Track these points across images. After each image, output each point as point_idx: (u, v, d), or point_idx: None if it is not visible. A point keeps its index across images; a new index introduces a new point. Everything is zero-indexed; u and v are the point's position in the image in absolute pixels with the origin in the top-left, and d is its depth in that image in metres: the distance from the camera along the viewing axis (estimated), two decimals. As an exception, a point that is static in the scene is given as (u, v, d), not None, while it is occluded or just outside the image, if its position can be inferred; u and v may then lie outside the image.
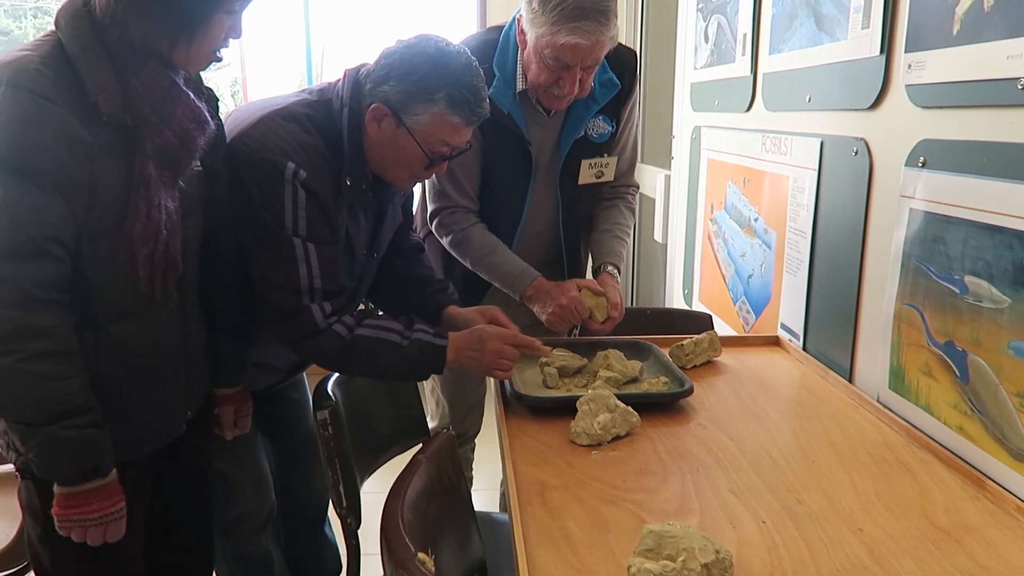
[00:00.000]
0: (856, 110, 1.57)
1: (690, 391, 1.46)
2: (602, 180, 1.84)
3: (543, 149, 1.75)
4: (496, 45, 1.68)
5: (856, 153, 1.56)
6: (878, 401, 1.47)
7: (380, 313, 1.59)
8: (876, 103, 1.49)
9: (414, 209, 1.85)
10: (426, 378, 1.52)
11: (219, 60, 1.28)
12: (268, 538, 1.74)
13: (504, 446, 1.27)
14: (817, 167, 1.72)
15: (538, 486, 1.16)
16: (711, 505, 1.11)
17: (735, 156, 2.22)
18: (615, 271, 1.80)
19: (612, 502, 1.12)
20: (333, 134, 1.42)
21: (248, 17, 1.26)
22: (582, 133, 1.75)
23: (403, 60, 1.38)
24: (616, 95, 1.74)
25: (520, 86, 1.66)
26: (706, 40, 2.47)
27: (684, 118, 2.75)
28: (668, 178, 2.98)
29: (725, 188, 2.29)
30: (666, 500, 1.13)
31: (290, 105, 1.43)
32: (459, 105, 1.37)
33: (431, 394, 2.05)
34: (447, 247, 1.81)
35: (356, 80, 1.44)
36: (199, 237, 1.39)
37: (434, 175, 1.76)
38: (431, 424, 2.04)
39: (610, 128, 1.78)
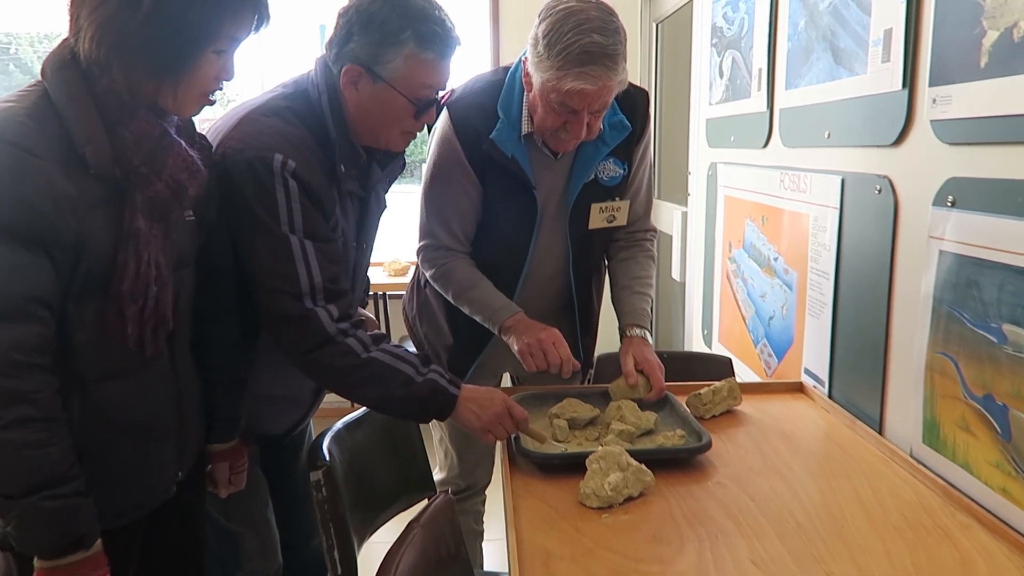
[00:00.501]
0: (879, 146, 1.49)
1: (708, 446, 1.37)
2: (614, 224, 1.76)
3: (550, 194, 1.69)
4: (501, 86, 1.63)
5: (879, 191, 1.48)
6: (911, 456, 1.37)
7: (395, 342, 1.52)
8: (899, 139, 1.42)
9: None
10: (427, 421, 1.47)
11: (211, 103, 1.24)
12: None
13: (508, 509, 1.19)
14: (839, 205, 1.64)
15: (543, 556, 1.08)
16: (731, 579, 1.02)
17: (753, 193, 2.15)
18: (644, 333, 1.70)
19: (623, 575, 1.03)
20: (316, 123, 1.38)
21: (266, 45, 1.22)
22: (592, 176, 1.68)
23: (360, 12, 1.34)
24: (627, 137, 1.67)
25: (526, 128, 1.60)
26: (721, 75, 2.42)
27: (700, 154, 2.68)
28: (685, 215, 2.91)
29: (743, 226, 2.21)
30: (682, 573, 1.04)
31: (268, 101, 1.39)
32: (429, 39, 1.33)
33: (439, 444, 1.97)
34: (430, 280, 1.75)
35: (326, 64, 1.40)
36: (191, 290, 1.34)
37: (423, 212, 1.72)
38: (438, 476, 1.96)
39: (621, 171, 1.71)
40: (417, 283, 1.90)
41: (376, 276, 3.51)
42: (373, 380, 1.32)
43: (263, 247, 1.32)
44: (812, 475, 1.34)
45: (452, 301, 1.72)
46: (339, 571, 1.23)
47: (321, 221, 1.35)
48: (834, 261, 1.66)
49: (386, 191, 1.63)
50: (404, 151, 1.55)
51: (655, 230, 1.89)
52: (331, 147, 1.38)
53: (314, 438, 1.34)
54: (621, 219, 1.76)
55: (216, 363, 1.44)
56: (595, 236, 1.76)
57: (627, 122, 1.65)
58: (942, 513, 1.20)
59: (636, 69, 3.70)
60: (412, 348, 1.59)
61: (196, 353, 1.40)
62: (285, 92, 1.42)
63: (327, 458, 1.27)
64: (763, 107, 2.04)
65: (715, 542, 1.11)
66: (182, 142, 1.22)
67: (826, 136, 1.69)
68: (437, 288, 1.75)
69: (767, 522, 1.17)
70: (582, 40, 1.40)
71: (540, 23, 1.46)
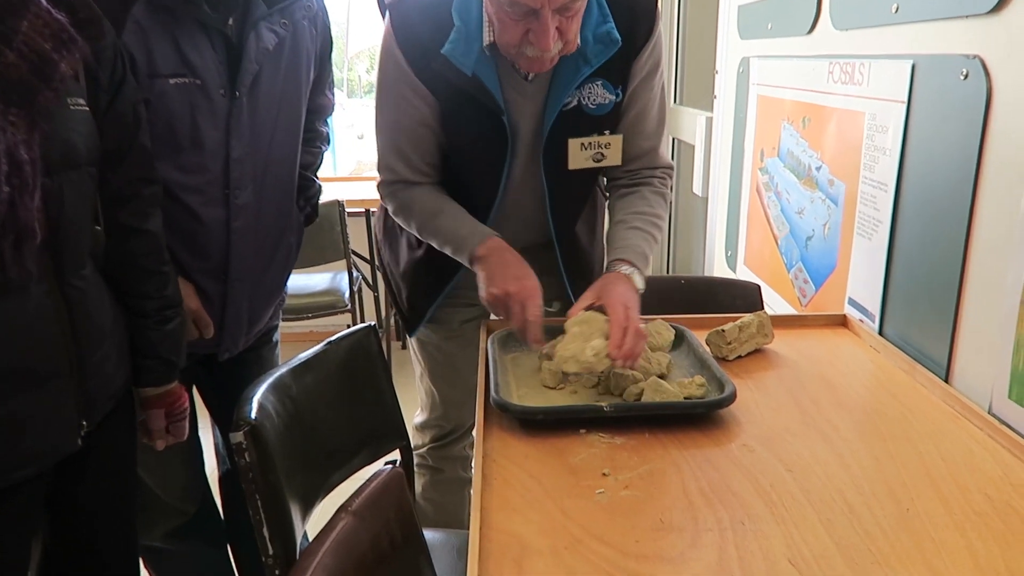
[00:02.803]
0: (967, 17, 1.15)
1: (732, 398, 1.10)
2: (603, 164, 1.39)
3: (523, 120, 1.34)
4: None
5: (966, 76, 1.15)
6: (990, 413, 1.09)
7: None
8: (999, 4, 1.08)
9: None
10: None
11: None
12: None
13: (475, 482, 0.94)
14: (906, 98, 1.31)
15: (515, 550, 0.82)
16: (763, 589, 0.76)
17: (792, 91, 1.81)
18: (632, 271, 1.29)
19: (618, 581, 0.78)
20: None
21: None
22: (573, 103, 1.32)
23: None
24: (619, 54, 1.29)
25: (488, 38, 1.25)
26: (758, -51, 2.03)
27: (730, 49, 2.32)
28: (710, 121, 2.56)
29: (779, 130, 1.88)
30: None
31: None
32: None
33: (420, 382, 1.72)
34: (393, 217, 1.47)
35: None
36: (88, 198, 1.07)
37: (377, 142, 1.41)
38: (419, 418, 1.72)
39: (613, 97, 1.34)
40: None
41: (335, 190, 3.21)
42: None
43: None
44: (864, 437, 1.06)
45: (418, 236, 1.43)
46: (270, 551, 0.99)
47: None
48: (896, 169, 1.34)
49: (284, 32, 1.36)
50: None
51: (670, 167, 1.48)
52: None
53: (242, 396, 1.08)
54: (612, 158, 1.39)
55: (141, 290, 1.18)
56: (577, 180, 1.42)
57: (615, 34, 1.28)
58: (1037, 492, 0.92)
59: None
60: None
61: (114, 278, 1.16)
62: None
63: (252, 415, 1.01)
64: (810, -18, 1.68)
65: (741, 531, 0.85)
66: (42, 1, 0.93)
67: (893, 10, 1.35)
68: (401, 224, 1.46)
69: (809, 503, 0.90)
70: None
71: None
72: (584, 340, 1.10)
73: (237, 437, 0.98)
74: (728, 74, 2.32)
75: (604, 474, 0.97)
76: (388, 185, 1.43)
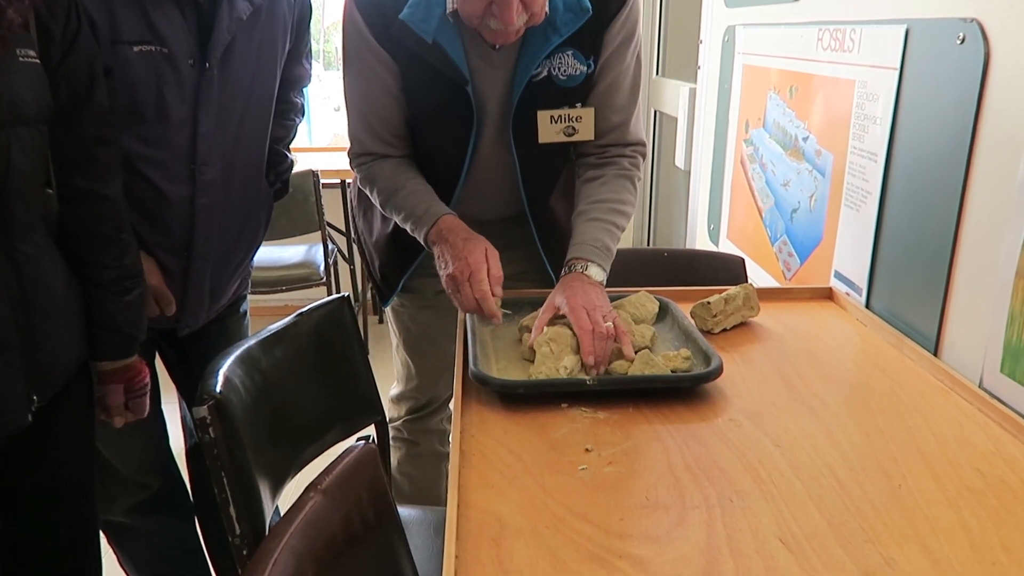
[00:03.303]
0: (965, -22, 1.12)
1: (718, 372, 1.06)
2: (576, 139, 1.34)
3: (490, 91, 1.28)
4: None
5: (962, 41, 1.11)
6: (981, 387, 1.07)
7: None
8: (1000, -36, 1.04)
9: None
10: None
11: None
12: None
13: (452, 458, 0.89)
14: (898, 65, 1.27)
15: (493, 529, 0.78)
16: (753, 568, 0.73)
17: (779, 59, 1.76)
18: (589, 269, 1.23)
19: (602, 561, 0.74)
20: None
21: None
22: (543, 73, 1.27)
23: None
24: (589, 22, 1.24)
25: (451, 5, 1.19)
26: (746, -87, 1.98)
27: (715, 17, 2.26)
28: (693, 92, 2.51)
29: (765, 100, 1.83)
30: (683, 558, 0.74)
31: None
32: None
33: (396, 353, 1.67)
34: (361, 188, 1.42)
35: None
36: (38, 157, 1.00)
37: (347, 114, 1.36)
38: (395, 390, 1.68)
39: (584, 68, 1.29)
40: None
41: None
42: None
43: None
44: (852, 411, 1.04)
45: (382, 212, 1.38)
46: (237, 530, 0.94)
47: None
48: (886, 139, 1.31)
49: (260, 0, 1.29)
50: None
51: (641, 144, 1.42)
52: None
53: (207, 369, 1.03)
54: (585, 132, 1.33)
55: (98, 259, 1.12)
56: (548, 155, 1.36)
57: (586, 2, 1.22)
58: (1029, 468, 0.90)
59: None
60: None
61: (69, 247, 1.10)
62: None
63: (217, 389, 0.96)
64: (800, -54, 1.63)
65: (729, 509, 0.82)
66: None
67: (887, -27, 1.30)
68: (371, 200, 1.41)
69: (798, 479, 0.87)
70: None
71: None
72: (555, 360, 1.06)
73: (201, 412, 0.92)
74: (713, 44, 2.27)
75: (587, 450, 0.93)
76: (356, 157, 1.38)
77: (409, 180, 1.33)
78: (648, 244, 3.33)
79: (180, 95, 1.23)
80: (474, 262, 1.18)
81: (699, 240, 2.41)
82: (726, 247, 2.13)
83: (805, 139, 1.62)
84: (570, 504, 0.82)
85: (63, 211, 1.10)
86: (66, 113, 1.04)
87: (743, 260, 1.72)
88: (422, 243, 1.30)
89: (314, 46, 1.63)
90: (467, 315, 1.23)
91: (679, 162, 2.70)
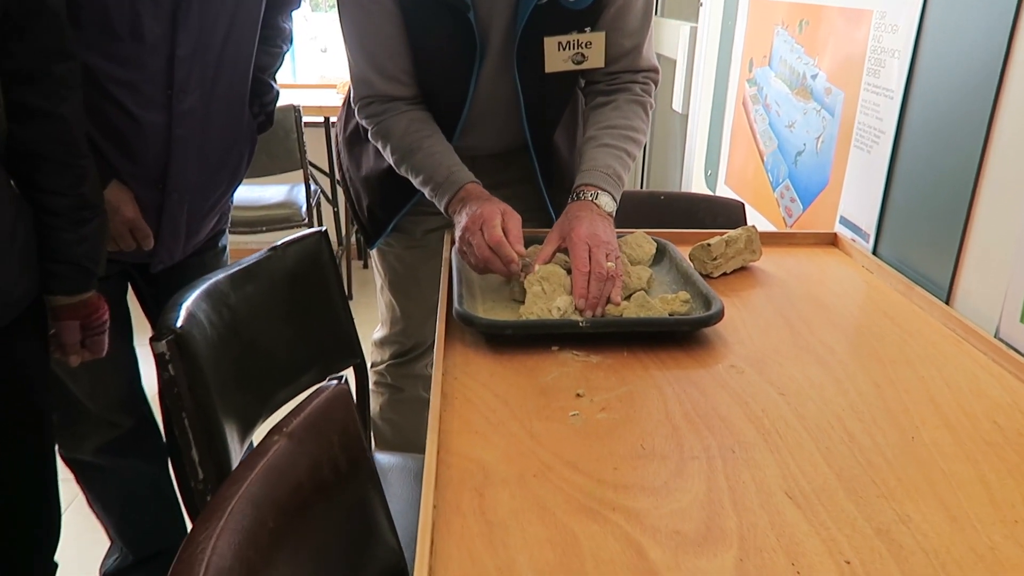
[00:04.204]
0: None
1: (719, 316, 0.99)
2: (584, 67, 1.24)
3: (493, 17, 1.18)
4: None
5: (997, -39, 1.02)
6: (997, 337, 1.01)
7: None
8: None
9: None
10: None
11: None
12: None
13: (433, 402, 0.82)
14: (923, -9, 1.18)
15: (477, 477, 0.72)
16: (758, 524, 0.67)
17: (789, -9, 1.66)
18: (599, 198, 1.15)
19: (594, 513, 0.68)
20: None
21: None
22: None
23: None
24: None
25: None
26: None
27: (720, -51, 2.14)
28: (694, 31, 2.40)
29: (771, 36, 1.74)
30: (682, 511, 0.68)
31: None
32: None
33: (380, 294, 1.59)
34: (372, 142, 1.32)
35: None
36: None
37: (348, 57, 1.25)
38: (379, 333, 1.61)
39: None
40: (349, 105, 1.43)
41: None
42: None
43: None
44: (860, 359, 0.97)
45: (397, 171, 1.28)
46: (200, 475, 0.87)
47: None
48: (905, 74, 1.22)
49: None
50: None
51: (655, 71, 1.33)
52: None
53: (170, 303, 0.95)
54: (595, 59, 1.23)
55: (51, 185, 1.03)
56: (555, 84, 1.26)
57: None
58: (1049, 422, 0.84)
59: None
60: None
61: (21, 171, 1.01)
62: None
63: (179, 323, 0.88)
64: None
65: (731, 460, 0.76)
66: None
67: None
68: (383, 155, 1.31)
69: (804, 430, 0.81)
70: None
71: None
72: (546, 300, 0.98)
73: (160, 347, 0.85)
74: (717, -22, 2.15)
75: (578, 395, 0.86)
76: (364, 104, 1.27)
77: (426, 139, 1.23)
78: (643, 187, 3.24)
79: (155, 13, 1.13)
80: (487, 212, 1.09)
81: (695, 186, 2.33)
82: (724, 193, 2.05)
83: (814, 76, 1.53)
84: (560, 452, 0.76)
85: (13, 131, 1.00)
86: (13, 21, 0.94)
87: (743, 204, 1.65)
88: (442, 211, 1.21)
89: (302, -10, 1.51)
90: (452, 253, 1.15)
91: (676, 105, 2.60)
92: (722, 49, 2.09)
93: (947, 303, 1.12)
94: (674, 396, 0.87)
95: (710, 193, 2.15)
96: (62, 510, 1.20)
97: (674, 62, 2.64)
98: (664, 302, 1.04)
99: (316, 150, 3.11)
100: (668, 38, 2.72)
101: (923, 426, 0.83)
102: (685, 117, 2.52)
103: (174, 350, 0.85)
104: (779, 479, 0.73)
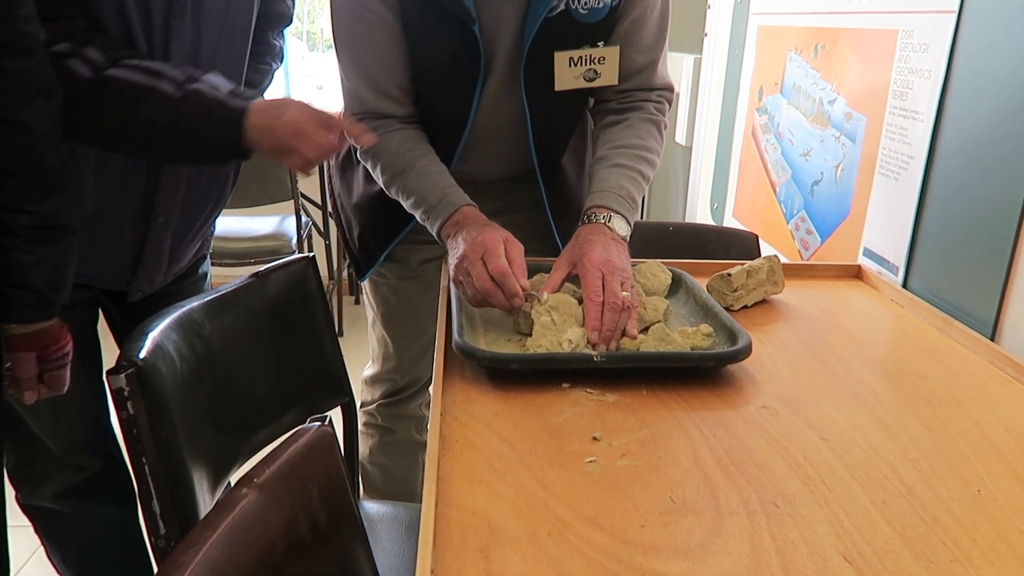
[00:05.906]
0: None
1: (747, 351, 0.90)
2: (596, 84, 1.16)
3: (499, 30, 1.11)
4: None
5: (1041, -29, 0.95)
6: (1053, 377, 0.92)
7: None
8: None
9: None
10: (219, 159, 1.09)
11: None
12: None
13: (430, 445, 0.72)
14: (956, 7, 1.11)
15: (482, 533, 0.61)
16: (816, 595, 0.56)
17: (802, 16, 1.60)
18: (612, 220, 1.06)
19: (621, 581, 0.57)
20: None
21: None
22: (560, 7, 1.08)
23: None
24: None
25: None
26: None
27: (726, -21, 2.10)
28: (698, 62, 2.35)
29: (783, 63, 1.67)
30: (724, 575, 0.58)
31: None
32: None
33: (372, 329, 1.49)
34: (361, 161, 1.23)
35: None
36: None
37: (340, 72, 1.17)
38: (370, 371, 1.50)
39: (608, 1, 1.12)
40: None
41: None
42: (115, 106, 0.97)
43: None
44: (905, 400, 0.88)
45: (387, 192, 1.20)
46: (161, 530, 0.76)
47: None
48: (937, 95, 1.15)
49: None
50: None
51: (669, 89, 1.26)
52: None
53: (133, 332, 0.85)
54: (608, 76, 1.16)
55: (6, 200, 0.94)
56: (565, 103, 1.19)
57: None
58: None
59: None
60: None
61: None
62: None
63: (141, 355, 0.77)
64: None
65: (775, 515, 0.65)
66: None
67: (942, -96, 1.14)
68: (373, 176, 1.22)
69: (855, 481, 0.71)
70: None
71: None
72: (556, 332, 0.89)
73: (118, 381, 0.74)
74: (723, 8, 2.10)
75: (595, 438, 0.76)
76: (355, 122, 1.19)
77: (419, 158, 1.15)
78: (645, 218, 3.16)
79: (146, 22, 1.05)
80: (489, 240, 0.99)
81: (700, 219, 2.25)
82: (731, 226, 1.97)
83: (832, 102, 1.46)
84: (577, 505, 0.66)
85: None
86: None
87: (756, 236, 1.57)
88: (434, 236, 1.12)
89: (298, 26, 1.44)
90: (451, 281, 1.06)
91: (680, 138, 2.53)
92: (728, 79, 2.03)
93: (992, 339, 1.03)
94: (702, 440, 0.77)
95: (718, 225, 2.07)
96: (20, 563, 1.08)
97: (677, 95, 2.58)
98: (684, 335, 0.94)
99: (308, 181, 3.03)
100: (671, 71, 2.67)
101: (988, 477, 0.73)
102: (689, 149, 2.46)
103: (134, 385, 0.75)
104: (833, 539, 0.63)
